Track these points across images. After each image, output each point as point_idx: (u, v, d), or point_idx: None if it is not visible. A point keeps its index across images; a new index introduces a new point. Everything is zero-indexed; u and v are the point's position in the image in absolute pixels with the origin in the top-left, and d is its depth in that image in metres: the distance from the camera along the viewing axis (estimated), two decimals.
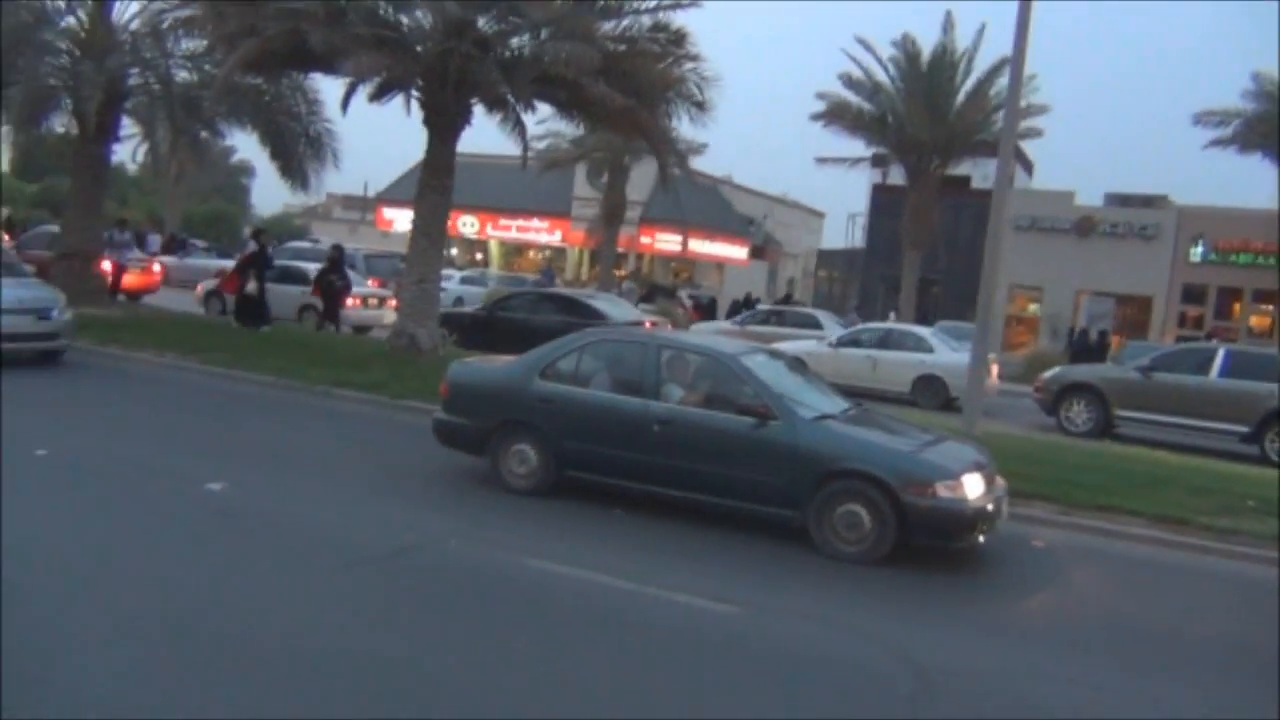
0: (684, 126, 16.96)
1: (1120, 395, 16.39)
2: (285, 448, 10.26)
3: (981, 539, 7.65)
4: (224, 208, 53.73)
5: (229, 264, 22.66)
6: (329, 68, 14.67)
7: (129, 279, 21.46)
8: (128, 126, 21.25)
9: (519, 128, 16.32)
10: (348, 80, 15.32)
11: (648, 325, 16.94)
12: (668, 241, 43.14)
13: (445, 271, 33.01)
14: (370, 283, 22.27)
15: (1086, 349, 25.32)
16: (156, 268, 24.25)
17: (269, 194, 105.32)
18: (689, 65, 14.70)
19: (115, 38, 17.93)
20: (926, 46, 28.46)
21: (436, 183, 15.64)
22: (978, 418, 12.13)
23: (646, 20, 14.49)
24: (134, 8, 18.20)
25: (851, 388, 14.33)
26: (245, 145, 46.36)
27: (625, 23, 14.61)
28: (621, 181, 32.31)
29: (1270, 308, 31.60)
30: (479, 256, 48.90)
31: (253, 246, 19.03)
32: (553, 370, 8.67)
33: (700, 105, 15.52)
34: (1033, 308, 35.43)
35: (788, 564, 7.39)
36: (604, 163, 32.90)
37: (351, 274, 20.34)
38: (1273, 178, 26.41)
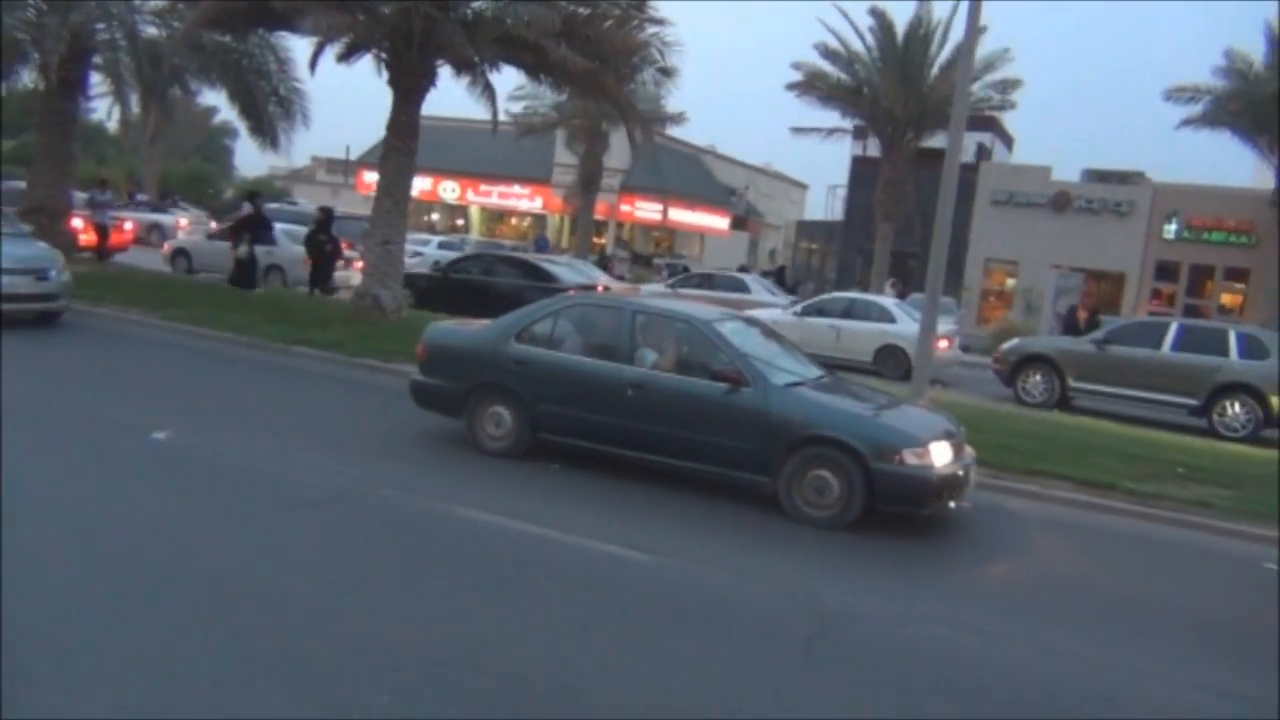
0: (671, 97, 17.03)
1: (1075, 367, 16.63)
2: (235, 401, 10.39)
3: (953, 505, 7.83)
4: (202, 167, 53.41)
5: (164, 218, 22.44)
6: (291, 26, 14.64)
7: (91, 238, 21.38)
8: (101, 84, 21.24)
9: (488, 91, 16.39)
10: (315, 40, 15.35)
11: (600, 289, 17.06)
12: (648, 210, 43.23)
13: (423, 236, 33.26)
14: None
15: (1075, 328, 25.42)
16: (128, 226, 24.25)
17: (254, 156, 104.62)
18: (652, 30, 14.75)
19: None
20: (907, 18, 28.48)
21: (401, 144, 15.69)
22: (926, 384, 12.34)
23: None
24: None
25: (815, 356, 14.52)
26: (228, 107, 46.01)
27: None
28: (599, 148, 32.33)
29: (1242, 285, 31.89)
30: (460, 222, 48.85)
31: (247, 209, 18.98)
32: (528, 334, 8.72)
33: (665, 71, 15.58)
34: (1010, 282, 35.66)
35: (727, 521, 7.55)
36: (583, 129, 32.87)
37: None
38: (1248, 155, 26.65)
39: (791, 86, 28.13)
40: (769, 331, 9.50)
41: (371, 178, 46.01)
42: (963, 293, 34.11)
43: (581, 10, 14.45)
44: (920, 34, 28.03)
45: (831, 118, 29.93)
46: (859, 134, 33.16)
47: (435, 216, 48.65)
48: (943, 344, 18.09)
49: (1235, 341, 15.65)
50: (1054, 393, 16.59)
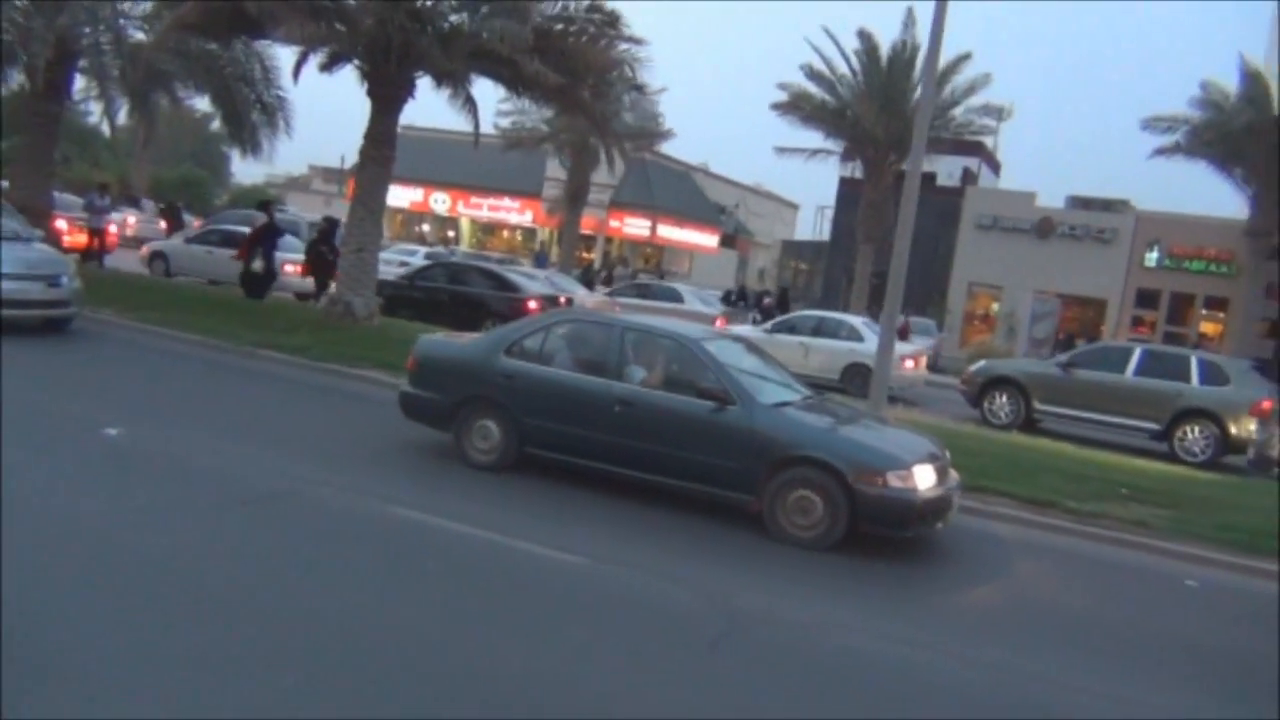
0: (666, 113, 17.31)
1: (1041, 390, 16.81)
2: (197, 402, 10.53)
3: (941, 526, 7.89)
4: (194, 173, 53.60)
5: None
6: (266, 34, 14.86)
7: (77, 240, 21.50)
8: (87, 87, 21.41)
9: (469, 104, 16.61)
10: (298, 49, 15.59)
11: (562, 301, 17.35)
12: (636, 226, 43.52)
13: (411, 247, 33.48)
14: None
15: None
16: (113, 229, 24.38)
17: (250, 163, 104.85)
18: (624, 47, 14.98)
19: None
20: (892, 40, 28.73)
21: (377, 154, 15.89)
22: (883, 401, 12.49)
23: (583, 3, 14.74)
24: None
25: None
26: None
27: (561, 4, 14.86)
28: (587, 163, 32.54)
29: (1222, 314, 32.18)
30: (451, 234, 49.11)
31: (262, 219, 19.15)
32: (518, 348, 8.75)
33: (639, 88, 15.80)
34: (995, 306, 35.94)
35: (703, 537, 7.60)
36: (570, 144, 33.13)
37: (294, 241, 20.48)
38: (1225, 185, 26.96)
39: (775, 106, 28.41)
40: (757, 351, 9.55)
41: None
42: (945, 315, 34.43)
43: (556, 26, 14.68)
44: (904, 57, 28.30)
45: (816, 138, 30.24)
46: (847, 155, 33.46)
47: (426, 228, 48.92)
48: (909, 364, 18.30)
49: (1196, 367, 15.87)
50: (1020, 415, 16.77)
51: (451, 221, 48.65)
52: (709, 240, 48.38)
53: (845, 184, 38.60)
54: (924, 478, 7.59)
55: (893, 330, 12.60)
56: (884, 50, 28.16)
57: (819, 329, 19.42)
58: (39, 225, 19.01)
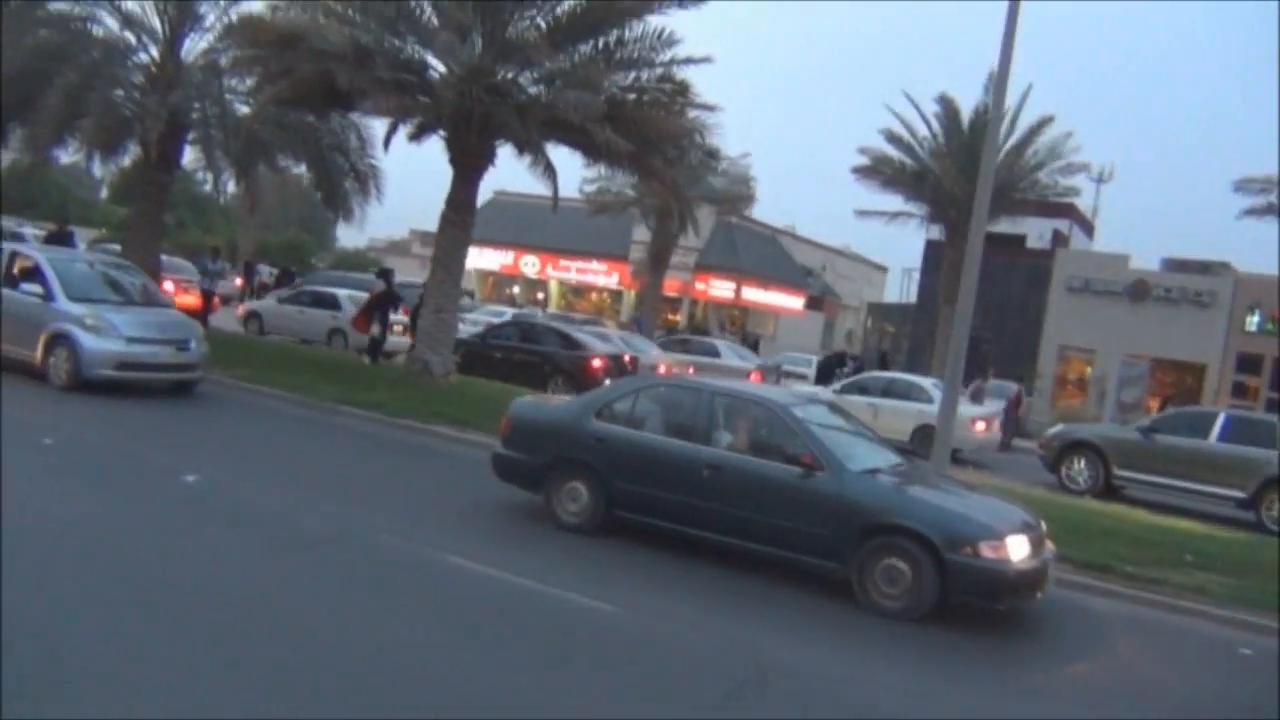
0: (756, 178, 17.64)
1: (1120, 455, 16.43)
2: (275, 453, 11.12)
3: (1040, 596, 7.74)
4: (297, 238, 56.18)
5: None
6: (355, 107, 15.75)
7: (184, 300, 22.74)
8: (195, 159, 22.77)
9: (549, 170, 17.24)
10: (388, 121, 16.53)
11: (626, 359, 17.79)
12: (722, 288, 43.82)
13: (499, 309, 34.37)
14: (400, 311, 23.32)
15: None
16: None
17: (354, 228, 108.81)
18: (694, 114, 15.43)
19: (182, 74, 19.36)
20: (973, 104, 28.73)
21: (457, 218, 16.58)
22: (946, 462, 12.42)
23: (656, 72, 15.28)
24: (200, 46, 19.65)
25: None
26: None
27: (634, 75, 15.44)
28: (669, 226, 33.07)
29: None
30: (540, 296, 50.17)
31: (380, 285, 20.17)
32: (609, 411, 8.89)
33: (712, 154, 16.20)
34: (1088, 370, 35.10)
35: (787, 605, 7.61)
36: (654, 208, 33.76)
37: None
38: None
39: (856, 170, 28.58)
40: (847, 416, 9.53)
41: None
42: (1036, 379, 33.73)
43: (628, 96, 15.24)
44: (985, 119, 28.20)
45: (897, 201, 30.26)
46: (932, 218, 33.34)
47: (516, 290, 50.07)
48: (979, 425, 18.08)
49: None
50: (1098, 481, 16.39)
51: (541, 284, 49.73)
52: (794, 303, 48.42)
53: (930, 246, 38.35)
54: (1018, 548, 7.43)
55: (955, 390, 12.55)
56: (965, 114, 28.12)
57: (889, 390, 19.36)
58: None
